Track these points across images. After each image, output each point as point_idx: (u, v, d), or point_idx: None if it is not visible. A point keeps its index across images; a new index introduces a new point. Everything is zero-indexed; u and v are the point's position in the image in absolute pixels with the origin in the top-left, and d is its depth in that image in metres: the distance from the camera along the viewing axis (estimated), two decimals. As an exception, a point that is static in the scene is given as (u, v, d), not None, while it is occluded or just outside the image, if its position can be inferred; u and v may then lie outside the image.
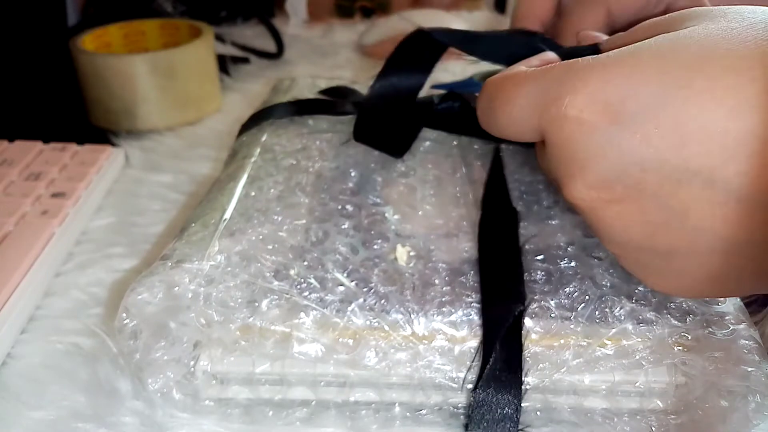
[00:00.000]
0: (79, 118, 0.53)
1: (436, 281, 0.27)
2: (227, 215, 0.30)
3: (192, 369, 0.26)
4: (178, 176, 0.45)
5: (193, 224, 0.30)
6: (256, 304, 0.26)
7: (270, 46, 0.68)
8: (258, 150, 0.36)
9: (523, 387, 0.25)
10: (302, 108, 0.40)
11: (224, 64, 0.61)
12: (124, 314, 0.26)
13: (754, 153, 0.19)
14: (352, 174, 0.33)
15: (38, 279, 0.34)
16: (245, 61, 0.65)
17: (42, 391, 0.28)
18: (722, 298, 0.26)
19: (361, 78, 0.55)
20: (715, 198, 0.19)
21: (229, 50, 0.66)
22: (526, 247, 0.29)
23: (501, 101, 0.24)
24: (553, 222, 0.30)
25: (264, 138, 0.37)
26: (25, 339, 0.31)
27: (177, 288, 0.26)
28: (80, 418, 0.27)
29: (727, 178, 0.19)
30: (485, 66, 0.60)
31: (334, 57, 0.68)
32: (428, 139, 0.37)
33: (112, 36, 0.56)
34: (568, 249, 0.28)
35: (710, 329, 0.25)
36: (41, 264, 0.34)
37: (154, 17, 0.59)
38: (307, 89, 0.44)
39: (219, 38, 0.65)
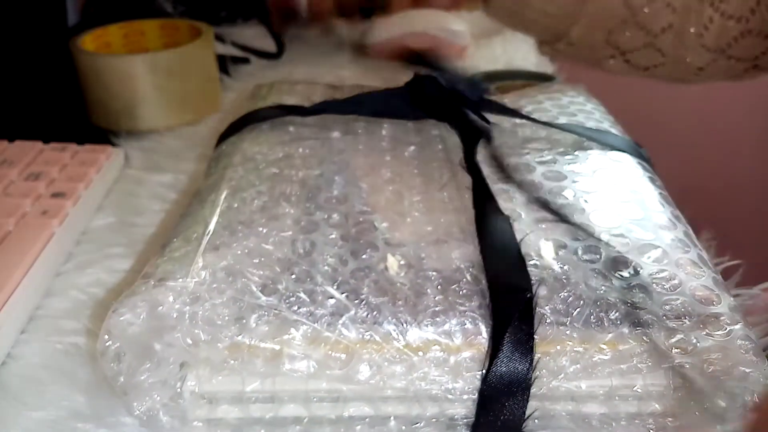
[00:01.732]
0: (79, 118, 0.53)
1: (429, 290, 0.26)
2: (210, 229, 0.29)
3: (179, 390, 0.25)
4: (178, 176, 0.45)
5: (175, 240, 0.29)
6: (244, 321, 0.25)
7: (270, 46, 0.68)
8: (238, 159, 0.35)
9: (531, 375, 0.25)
10: (284, 112, 0.39)
11: (224, 64, 0.61)
12: (107, 336, 0.25)
13: None
14: (337, 181, 0.33)
15: (38, 279, 0.34)
16: (245, 61, 0.65)
17: (42, 391, 0.28)
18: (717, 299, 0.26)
19: (361, 79, 0.55)
20: None
21: (229, 50, 0.66)
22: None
23: None
24: (543, 225, 0.30)
25: (244, 146, 0.36)
26: (25, 339, 0.32)
27: (161, 307, 0.25)
28: (80, 418, 0.27)
29: None
30: (484, 67, 0.60)
31: (334, 57, 0.68)
32: (412, 144, 0.37)
33: (112, 36, 0.56)
34: (560, 253, 0.28)
35: (707, 331, 0.25)
36: (41, 264, 0.34)
37: (154, 17, 0.59)
38: (285, 94, 0.44)
39: (219, 38, 0.65)
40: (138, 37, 0.57)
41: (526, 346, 0.25)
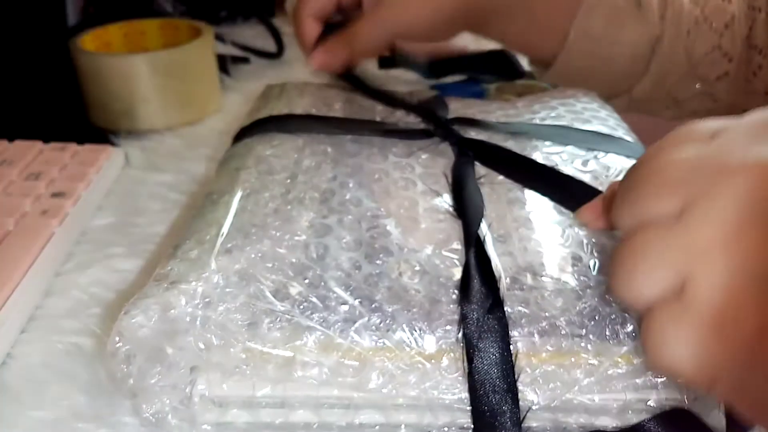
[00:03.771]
0: (79, 118, 0.52)
1: (443, 298, 0.26)
2: (224, 231, 0.29)
3: (189, 394, 0.25)
4: (178, 176, 0.45)
5: (188, 241, 0.29)
6: (257, 326, 0.24)
7: (270, 46, 0.67)
8: (251, 161, 0.35)
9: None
10: (312, 123, 0.39)
11: (224, 64, 0.61)
12: (117, 338, 0.25)
13: None
14: (351, 185, 0.32)
15: (38, 279, 0.34)
16: (245, 61, 0.65)
17: (42, 391, 0.28)
18: None
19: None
20: None
21: (229, 50, 0.66)
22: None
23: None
24: (561, 239, 0.29)
25: (257, 148, 0.36)
26: (25, 339, 0.31)
27: (173, 310, 0.25)
28: (80, 418, 0.27)
29: None
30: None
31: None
32: (426, 148, 0.37)
33: (112, 36, 0.56)
34: (576, 266, 0.27)
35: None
36: (41, 264, 0.34)
37: (154, 17, 0.59)
38: (297, 95, 0.44)
39: (219, 38, 0.65)
40: (138, 37, 0.57)
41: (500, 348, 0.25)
